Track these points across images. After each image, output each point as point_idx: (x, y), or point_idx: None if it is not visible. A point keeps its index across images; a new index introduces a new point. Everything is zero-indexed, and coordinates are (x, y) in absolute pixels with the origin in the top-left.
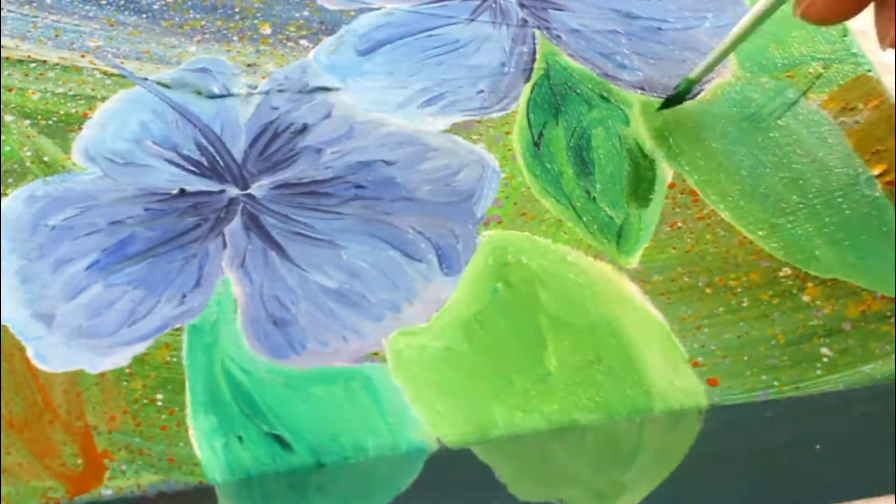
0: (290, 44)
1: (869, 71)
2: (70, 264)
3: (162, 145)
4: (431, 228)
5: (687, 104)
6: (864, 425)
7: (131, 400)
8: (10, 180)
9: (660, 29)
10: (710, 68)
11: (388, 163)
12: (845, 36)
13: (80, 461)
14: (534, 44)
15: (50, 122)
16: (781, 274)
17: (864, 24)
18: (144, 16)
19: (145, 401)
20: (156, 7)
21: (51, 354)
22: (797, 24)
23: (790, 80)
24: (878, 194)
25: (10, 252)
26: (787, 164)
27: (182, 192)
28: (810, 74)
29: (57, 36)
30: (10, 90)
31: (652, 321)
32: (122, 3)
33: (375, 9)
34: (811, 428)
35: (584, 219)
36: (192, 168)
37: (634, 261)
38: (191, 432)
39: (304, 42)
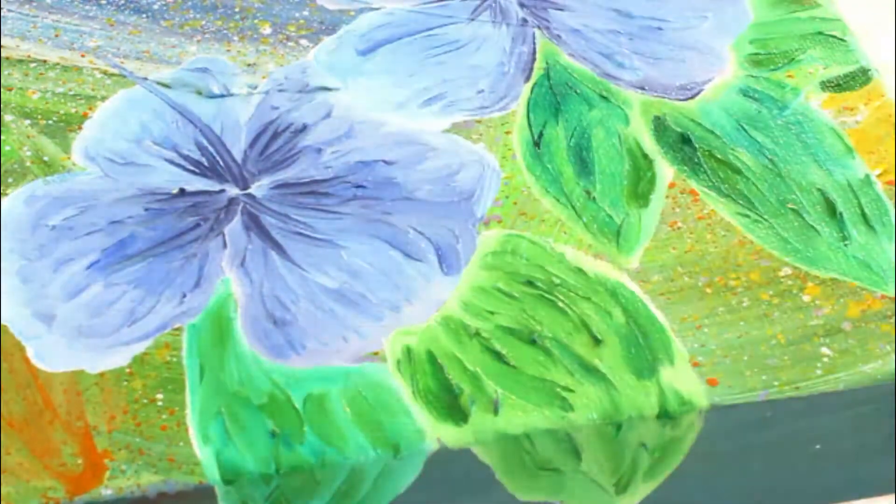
0: (290, 44)
1: (869, 71)
2: (70, 264)
3: (162, 145)
4: (431, 228)
5: (688, 104)
6: (864, 425)
7: (131, 400)
8: (10, 180)
9: (660, 29)
10: None
11: (388, 163)
12: (845, 36)
13: (80, 461)
14: (534, 43)
15: (50, 121)
16: (781, 273)
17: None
18: (144, 16)
19: (145, 401)
20: (156, 7)
21: (51, 354)
22: (797, 24)
23: (790, 80)
24: (878, 194)
25: (10, 252)
26: (788, 163)
27: (182, 191)
28: (810, 74)
29: (57, 36)
30: (10, 90)
31: (652, 321)
32: (122, 3)
33: (376, 8)
34: (811, 428)
35: (584, 219)
36: (192, 168)
37: (634, 260)
38: (191, 432)
39: (304, 42)
